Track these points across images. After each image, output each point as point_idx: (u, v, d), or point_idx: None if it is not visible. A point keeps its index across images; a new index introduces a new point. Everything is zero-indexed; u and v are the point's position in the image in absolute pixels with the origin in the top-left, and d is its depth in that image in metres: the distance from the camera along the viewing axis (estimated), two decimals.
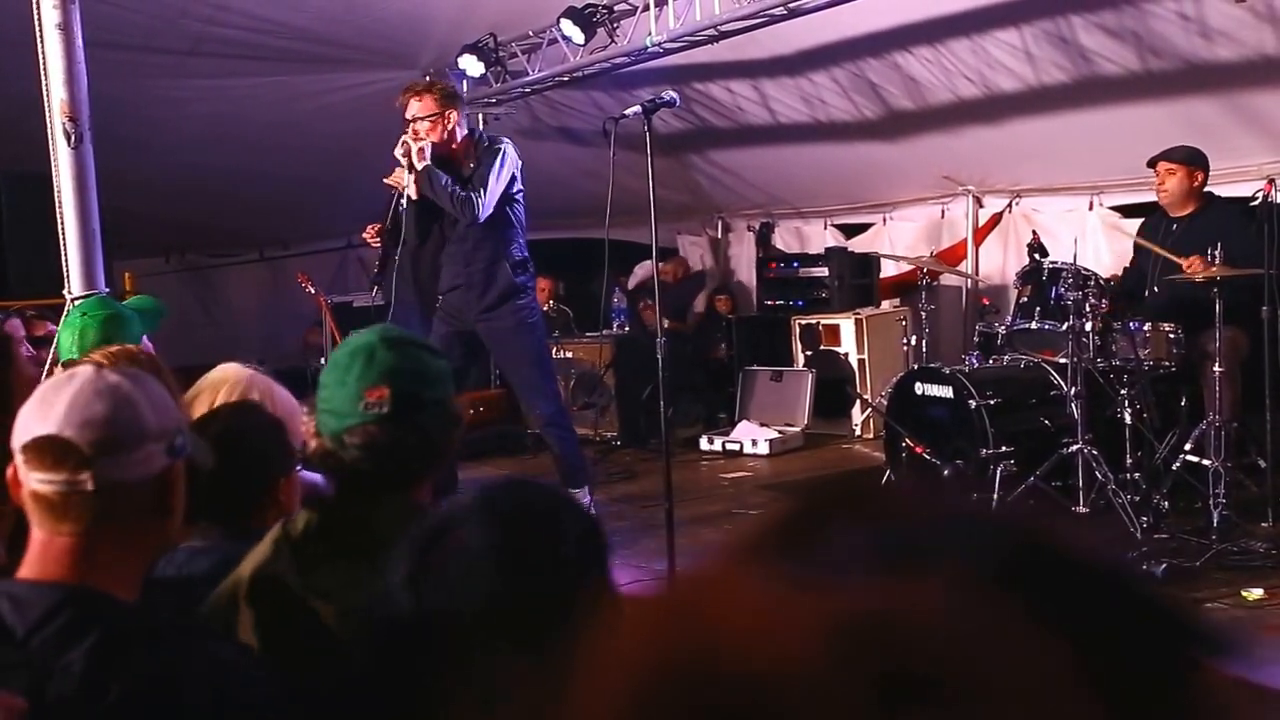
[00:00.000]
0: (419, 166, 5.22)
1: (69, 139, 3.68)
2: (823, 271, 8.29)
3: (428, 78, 5.94)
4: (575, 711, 0.52)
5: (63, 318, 3.17)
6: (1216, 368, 4.89)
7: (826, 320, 8.15)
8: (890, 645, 0.45)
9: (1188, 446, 5.11)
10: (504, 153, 5.34)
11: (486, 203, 5.24)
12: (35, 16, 3.75)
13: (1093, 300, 5.12)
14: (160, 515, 1.60)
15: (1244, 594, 4.21)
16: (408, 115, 5.34)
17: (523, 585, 1.35)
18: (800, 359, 8.25)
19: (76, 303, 3.20)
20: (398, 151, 5.27)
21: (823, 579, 0.48)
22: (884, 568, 0.48)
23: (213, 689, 1.46)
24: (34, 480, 1.51)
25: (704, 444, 7.73)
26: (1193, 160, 5.51)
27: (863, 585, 0.48)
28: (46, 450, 1.50)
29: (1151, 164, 5.61)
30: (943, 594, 0.47)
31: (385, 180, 6.09)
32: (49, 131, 3.74)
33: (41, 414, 1.52)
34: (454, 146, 5.35)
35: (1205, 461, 4.95)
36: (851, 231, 9.21)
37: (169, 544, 1.71)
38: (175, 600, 1.86)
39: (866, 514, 0.53)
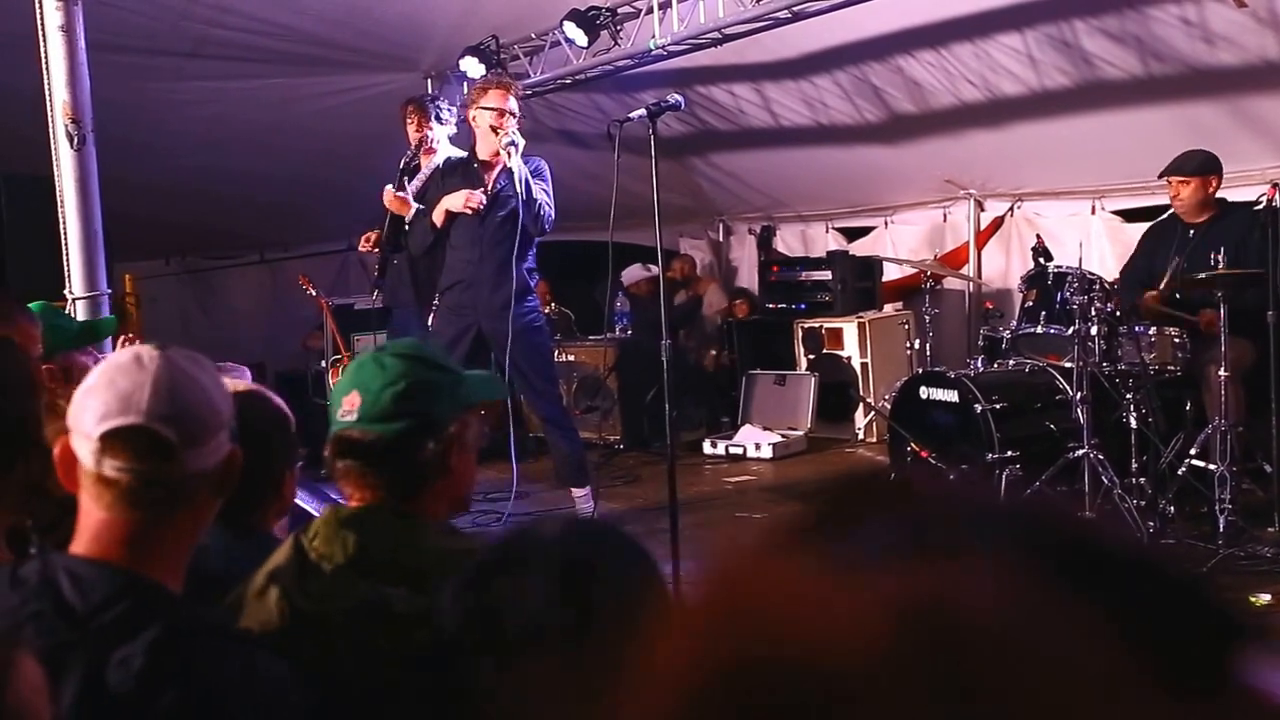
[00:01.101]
0: (520, 165, 5.27)
1: (71, 141, 3.66)
2: (825, 275, 8.26)
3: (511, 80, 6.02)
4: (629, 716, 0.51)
5: None
6: (1222, 372, 4.87)
7: (829, 324, 8.13)
8: (954, 627, 0.45)
9: (1193, 451, 5.09)
10: (548, 171, 5.48)
11: (552, 216, 5.38)
12: (38, 18, 3.73)
13: (1098, 304, 5.10)
14: (217, 495, 1.62)
15: (1251, 599, 4.19)
16: (496, 105, 5.38)
17: (578, 637, 1.31)
18: (803, 363, 8.23)
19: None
20: (504, 140, 5.31)
21: (868, 564, 0.48)
22: (925, 554, 0.48)
23: (259, 705, 1.45)
24: (110, 467, 1.50)
25: (707, 448, 7.72)
26: (1205, 169, 5.47)
27: (909, 569, 0.47)
28: (134, 441, 1.49)
29: (1163, 175, 5.58)
30: (991, 576, 0.47)
31: (390, 208, 6.11)
32: (51, 133, 3.72)
33: (117, 401, 1.49)
34: (494, 154, 5.43)
35: (1211, 466, 4.93)
36: (853, 235, 9.19)
37: (210, 522, 1.70)
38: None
39: (895, 506, 0.53)
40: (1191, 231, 5.54)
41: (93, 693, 1.36)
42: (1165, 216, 5.85)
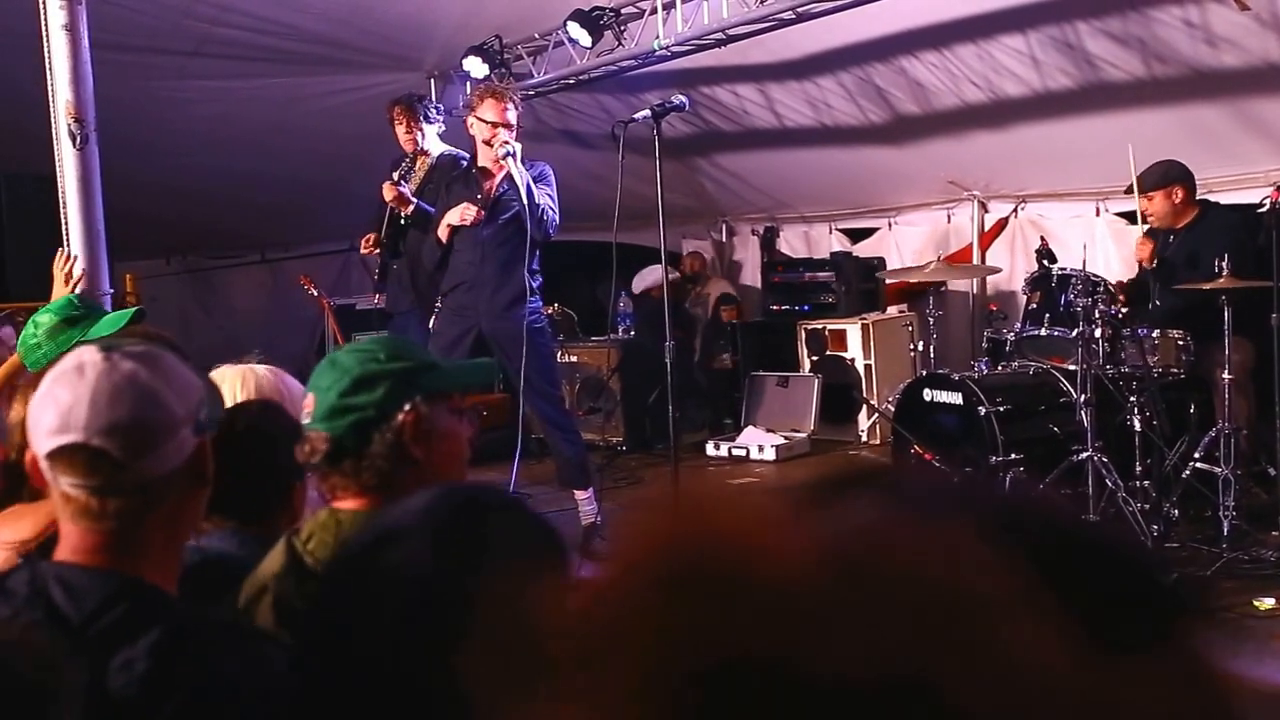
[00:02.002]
0: (520, 171, 5.26)
1: (74, 140, 3.65)
2: (829, 276, 8.25)
3: (507, 85, 5.97)
4: (598, 615, 0.54)
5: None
6: (1226, 375, 4.86)
7: (832, 325, 8.11)
8: (891, 567, 0.49)
9: (1198, 454, 5.07)
10: (552, 176, 5.46)
11: (556, 221, 5.37)
12: (41, 17, 3.72)
13: (1102, 306, 5.09)
14: (196, 488, 1.57)
15: (1255, 603, 4.18)
16: (501, 119, 5.34)
17: (452, 618, 1.24)
18: (806, 364, 8.22)
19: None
20: (500, 151, 5.28)
21: (832, 515, 0.54)
22: (891, 513, 0.54)
23: (268, 695, 1.43)
24: (66, 484, 1.46)
25: (710, 449, 7.70)
26: (1165, 180, 5.48)
27: (871, 523, 0.53)
28: (78, 459, 1.44)
29: (1128, 193, 5.60)
30: (939, 536, 0.51)
31: (386, 198, 6.11)
32: (54, 132, 3.71)
33: (60, 417, 1.44)
34: (494, 160, 5.42)
35: (1215, 469, 4.92)
36: (857, 236, 9.17)
37: (201, 514, 1.67)
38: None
39: (877, 485, 0.57)
40: (1171, 237, 5.56)
41: (97, 701, 1.33)
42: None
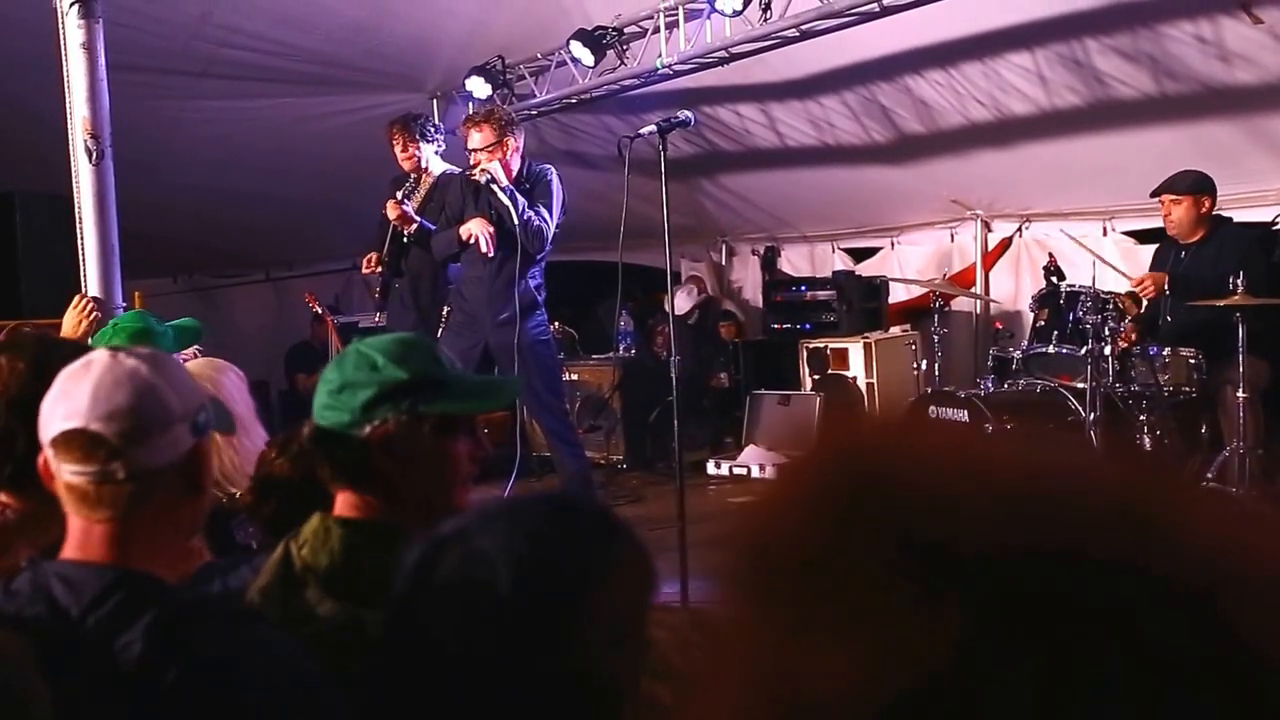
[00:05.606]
0: (500, 190, 5.29)
1: (90, 155, 3.65)
2: (831, 295, 8.22)
3: (487, 108, 6.03)
4: (775, 513, 0.58)
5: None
6: (1241, 394, 4.83)
7: (834, 344, 8.08)
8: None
9: (1210, 474, 5.04)
10: (555, 182, 5.47)
11: (552, 234, 5.37)
12: (60, 35, 3.72)
13: (1112, 324, 5.07)
14: (190, 493, 1.61)
15: None
16: (470, 146, 5.42)
17: (539, 607, 1.28)
18: (808, 383, 8.19)
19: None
20: (481, 178, 5.33)
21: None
22: None
23: (265, 674, 1.46)
24: (66, 472, 1.52)
25: (711, 468, 7.67)
26: (1198, 188, 5.46)
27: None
28: (75, 444, 1.51)
29: (1156, 194, 5.58)
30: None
31: (390, 216, 6.13)
32: (70, 149, 3.71)
33: (66, 406, 1.52)
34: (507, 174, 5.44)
35: (1229, 490, 4.89)
36: (859, 255, 9.15)
37: (200, 521, 1.71)
38: None
39: None
40: (1184, 253, 5.54)
41: (99, 686, 1.38)
42: (1164, 242, 5.85)
